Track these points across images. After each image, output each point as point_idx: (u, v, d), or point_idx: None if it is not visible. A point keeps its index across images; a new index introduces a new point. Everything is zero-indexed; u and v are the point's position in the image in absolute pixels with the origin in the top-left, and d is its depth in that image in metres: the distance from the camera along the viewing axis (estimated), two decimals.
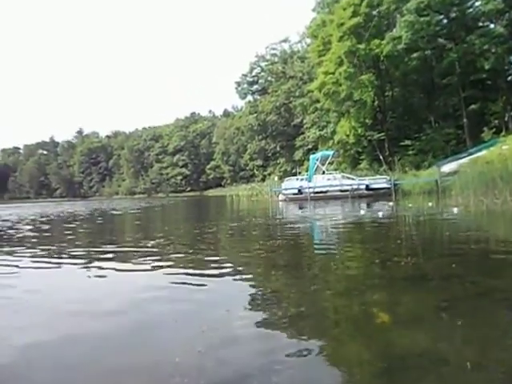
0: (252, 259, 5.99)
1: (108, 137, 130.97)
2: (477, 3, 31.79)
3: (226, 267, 5.46)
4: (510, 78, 32.69)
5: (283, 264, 5.56)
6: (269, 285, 4.47)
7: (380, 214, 11.97)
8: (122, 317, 3.64)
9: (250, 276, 4.95)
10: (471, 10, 32.07)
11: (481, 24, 32.82)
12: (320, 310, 3.56)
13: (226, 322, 3.32)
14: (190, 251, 6.93)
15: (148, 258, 6.31)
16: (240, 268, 5.44)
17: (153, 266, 5.68)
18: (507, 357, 2.45)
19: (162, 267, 5.60)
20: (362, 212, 13.64)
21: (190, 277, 4.95)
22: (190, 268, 5.55)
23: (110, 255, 6.96)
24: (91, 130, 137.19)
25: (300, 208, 23.61)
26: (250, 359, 2.64)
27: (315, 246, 7.16)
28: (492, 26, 32.25)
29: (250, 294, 4.07)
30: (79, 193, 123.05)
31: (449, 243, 6.47)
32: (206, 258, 6.20)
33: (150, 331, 3.22)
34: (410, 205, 14.93)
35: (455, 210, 11.68)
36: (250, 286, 4.44)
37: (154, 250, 7.30)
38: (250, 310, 3.61)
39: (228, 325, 3.27)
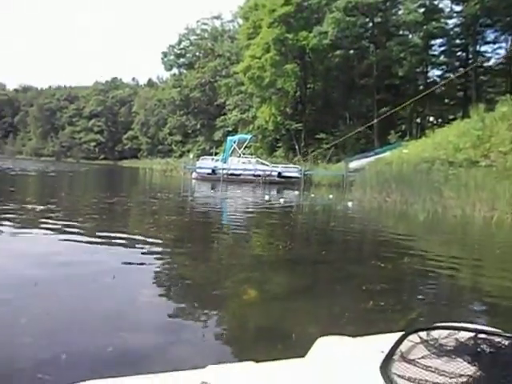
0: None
1: (16, 90, 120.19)
2: (400, 12, 33.75)
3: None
4: (420, 87, 35.22)
5: (172, 237, 5.60)
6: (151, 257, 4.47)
7: (281, 201, 12.43)
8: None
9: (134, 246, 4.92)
10: (394, 17, 33.97)
11: (401, 32, 34.94)
12: (194, 283, 3.65)
13: None
14: (85, 222, 6.70)
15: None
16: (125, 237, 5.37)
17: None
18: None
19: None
20: (267, 197, 14.04)
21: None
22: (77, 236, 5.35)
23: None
24: None
25: (212, 188, 23.70)
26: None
27: (210, 225, 7.28)
28: (410, 36, 34.48)
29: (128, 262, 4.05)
30: None
31: (330, 232, 6.93)
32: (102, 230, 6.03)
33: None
34: (313, 195, 15.68)
35: (349, 203, 12.47)
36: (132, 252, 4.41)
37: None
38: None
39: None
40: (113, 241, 5.15)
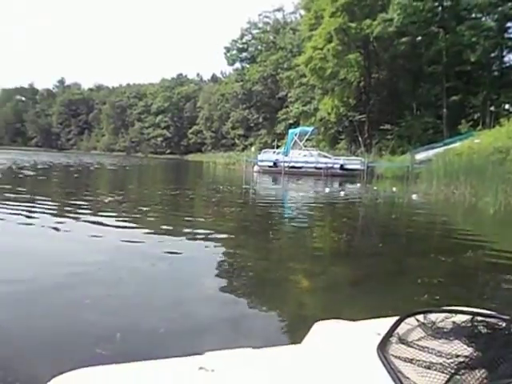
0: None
1: (90, 90, 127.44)
2: None
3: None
4: (494, 74, 33.04)
5: (233, 229, 5.74)
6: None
7: (342, 194, 12.26)
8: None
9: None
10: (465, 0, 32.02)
11: (473, 15, 32.86)
12: (252, 274, 3.73)
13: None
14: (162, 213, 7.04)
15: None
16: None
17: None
18: None
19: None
20: (327, 190, 13.90)
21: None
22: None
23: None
24: (73, 80, 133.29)
25: (273, 181, 23.82)
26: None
27: (269, 217, 7.34)
28: (483, 18, 32.33)
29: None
30: (56, 144, 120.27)
31: (390, 225, 6.74)
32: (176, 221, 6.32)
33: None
34: (375, 188, 15.27)
35: (414, 196, 12.03)
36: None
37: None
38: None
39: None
40: (174, 232, 5.36)
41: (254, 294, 3.23)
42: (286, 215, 7.95)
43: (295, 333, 2.47)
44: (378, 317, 0.98)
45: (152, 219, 6.33)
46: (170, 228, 5.58)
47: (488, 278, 3.69)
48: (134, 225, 5.65)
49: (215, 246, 4.61)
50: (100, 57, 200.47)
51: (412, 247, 5.01)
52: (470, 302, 2.94)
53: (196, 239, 4.96)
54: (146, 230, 5.30)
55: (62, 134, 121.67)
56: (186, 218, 6.58)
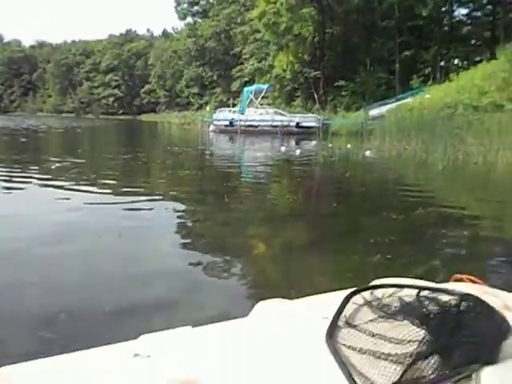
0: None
1: (32, 47, 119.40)
2: None
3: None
4: (445, 28, 33.45)
5: (187, 192, 5.63)
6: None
7: (297, 152, 12.27)
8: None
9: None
10: None
11: None
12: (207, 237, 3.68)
13: None
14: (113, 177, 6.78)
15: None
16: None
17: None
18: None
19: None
20: (283, 149, 13.88)
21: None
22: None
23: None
24: (12, 37, 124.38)
25: (229, 140, 23.61)
26: None
27: (224, 179, 7.25)
28: None
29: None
30: None
31: (344, 183, 6.83)
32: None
33: None
34: (330, 145, 15.40)
35: (367, 152, 12.23)
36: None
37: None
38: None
39: None
40: (127, 199, 5.20)
41: (209, 261, 3.19)
42: (242, 177, 7.90)
43: (248, 303, 2.46)
44: (325, 291, 0.94)
45: (103, 189, 6.10)
46: (122, 197, 5.40)
47: (437, 234, 3.80)
48: (84, 192, 5.43)
49: (171, 211, 4.51)
50: (41, 11, 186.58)
51: (365, 206, 5.10)
52: (420, 259, 3.03)
53: (150, 206, 4.82)
54: (97, 199, 5.10)
55: (5, 95, 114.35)
56: (139, 184, 6.38)
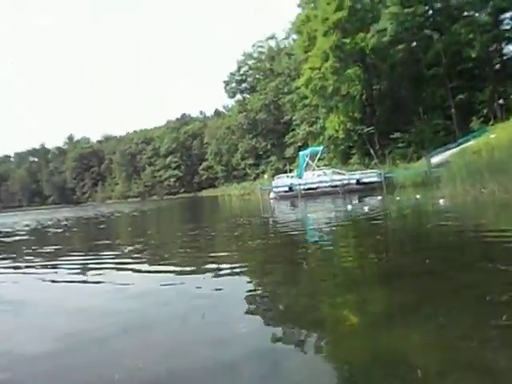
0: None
1: (99, 141, 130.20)
2: None
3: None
4: (496, 67, 32.63)
5: (259, 262, 5.37)
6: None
7: (365, 209, 11.79)
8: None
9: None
10: None
11: (465, 13, 32.77)
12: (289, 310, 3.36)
13: None
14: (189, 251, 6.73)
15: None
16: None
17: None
18: (476, 361, 2.25)
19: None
20: (349, 207, 13.44)
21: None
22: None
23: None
24: (82, 135, 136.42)
25: (291, 205, 23.49)
26: None
27: (296, 246, 6.96)
28: (476, 14, 32.20)
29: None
30: (72, 199, 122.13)
31: (426, 236, 6.28)
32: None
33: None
34: (398, 198, 14.76)
35: (441, 201, 11.53)
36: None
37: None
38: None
39: None
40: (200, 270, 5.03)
41: (293, 337, 2.85)
42: (312, 240, 7.56)
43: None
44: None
45: (175, 267, 6.00)
46: (193, 269, 5.24)
47: None
48: (161, 269, 5.34)
49: (246, 283, 4.25)
50: (104, 108, 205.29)
51: (460, 258, 4.55)
52: None
53: (223, 277, 4.60)
54: (172, 277, 4.97)
55: (77, 188, 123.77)
56: (209, 259, 6.23)
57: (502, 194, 11.26)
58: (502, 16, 31.43)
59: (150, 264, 6.15)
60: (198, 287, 4.39)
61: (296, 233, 9.22)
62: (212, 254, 6.62)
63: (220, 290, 4.26)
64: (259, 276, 4.74)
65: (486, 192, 12.28)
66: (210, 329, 3.14)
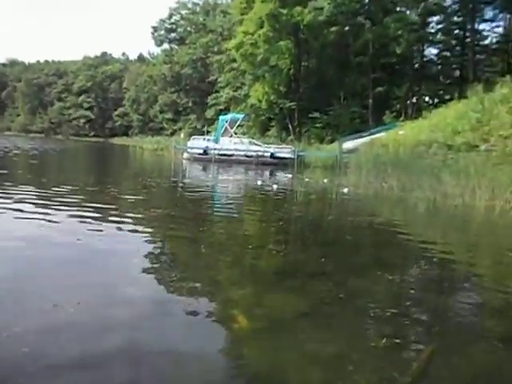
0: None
1: (3, 65, 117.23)
2: None
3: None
4: (415, 66, 34.49)
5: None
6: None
7: (274, 188, 11.94)
8: None
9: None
10: None
11: (398, 9, 33.96)
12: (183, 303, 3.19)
13: None
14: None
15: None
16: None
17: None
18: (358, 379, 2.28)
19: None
20: (259, 182, 13.54)
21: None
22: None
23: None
24: None
25: (203, 169, 23.23)
26: None
27: (199, 219, 6.79)
28: (408, 12, 33.51)
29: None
30: None
31: (326, 229, 6.48)
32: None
33: None
34: (307, 179, 15.16)
35: (345, 189, 12.03)
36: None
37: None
38: None
39: None
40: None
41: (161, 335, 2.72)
42: (216, 216, 7.45)
43: None
44: None
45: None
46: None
47: (453, 297, 3.46)
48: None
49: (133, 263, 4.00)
50: (13, 29, 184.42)
51: (355, 261, 4.71)
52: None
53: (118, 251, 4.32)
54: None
55: None
56: (107, 223, 5.82)
57: (400, 190, 12.03)
58: (430, 19, 33.12)
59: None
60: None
61: (202, 205, 9.06)
62: (109, 219, 6.20)
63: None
64: (149, 255, 4.49)
65: (386, 186, 13.05)
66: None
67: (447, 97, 31.86)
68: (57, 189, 8.96)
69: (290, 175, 17.75)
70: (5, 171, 12.66)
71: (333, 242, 5.32)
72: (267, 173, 22.48)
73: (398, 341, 2.66)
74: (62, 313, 2.85)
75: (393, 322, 2.97)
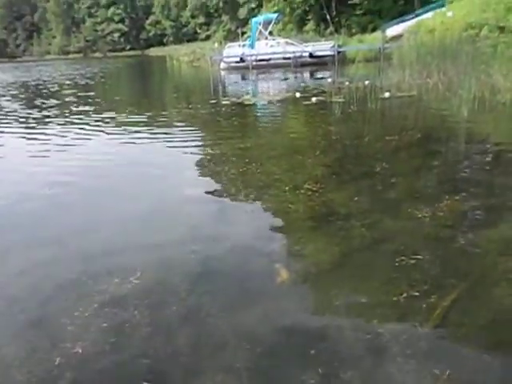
0: None
1: None
2: None
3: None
4: None
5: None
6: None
7: (313, 100, 11.78)
8: None
9: None
10: None
11: None
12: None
13: None
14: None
15: None
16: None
17: None
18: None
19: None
20: (298, 95, 13.24)
21: None
22: None
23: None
24: None
25: (242, 79, 22.96)
26: None
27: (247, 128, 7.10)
28: None
29: None
30: (5, 52, 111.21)
31: (362, 156, 6.54)
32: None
33: None
34: (347, 83, 14.61)
35: (387, 94, 11.64)
36: None
37: None
38: None
39: None
40: None
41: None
42: (257, 136, 7.68)
43: None
44: None
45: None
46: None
47: None
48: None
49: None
50: None
51: (389, 196, 4.87)
52: None
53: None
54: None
55: (10, 40, 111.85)
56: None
57: (445, 89, 11.49)
58: None
59: None
60: None
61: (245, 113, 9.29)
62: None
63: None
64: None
65: (431, 84, 12.48)
66: None
67: None
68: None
69: (329, 78, 17.15)
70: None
71: (367, 174, 5.45)
72: (307, 74, 21.86)
73: (425, 287, 3.00)
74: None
75: (420, 268, 3.27)
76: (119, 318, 2.86)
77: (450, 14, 19.67)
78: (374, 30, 27.31)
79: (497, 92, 9.97)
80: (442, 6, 23.13)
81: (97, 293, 3.15)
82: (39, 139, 9.19)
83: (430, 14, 23.26)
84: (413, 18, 24.42)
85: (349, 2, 29.99)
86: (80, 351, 2.54)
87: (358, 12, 29.75)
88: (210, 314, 2.89)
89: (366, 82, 13.96)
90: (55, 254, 3.86)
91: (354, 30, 29.01)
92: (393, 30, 24.58)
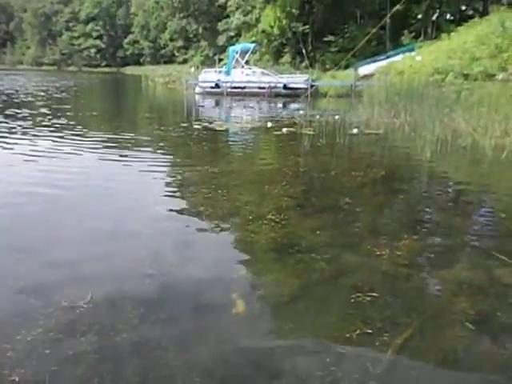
0: None
1: None
2: None
3: None
4: None
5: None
6: None
7: (284, 131, 11.96)
8: None
9: None
10: None
11: None
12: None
13: None
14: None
15: None
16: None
17: None
18: None
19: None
20: (269, 124, 13.43)
21: None
22: None
23: None
24: None
25: (216, 104, 23.18)
26: None
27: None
28: None
29: None
30: None
31: (327, 190, 6.67)
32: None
33: None
34: (318, 116, 14.96)
35: (355, 130, 11.97)
36: None
37: None
38: None
39: None
40: None
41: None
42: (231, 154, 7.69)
43: None
44: None
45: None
46: None
47: None
48: None
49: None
50: None
51: (351, 231, 4.97)
52: None
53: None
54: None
55: None
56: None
57: (411, 129, 11.89)
58: None
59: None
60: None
61: (216, 138, 9.30)
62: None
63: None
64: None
65: (397, 123, 12.92)
66: None
67: (470, 12, 29.98)
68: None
69: (301, 111, 17.53)
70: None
71: (331, 208, 5.53)
72: (280, 104, 22.30)
73: (379, 324, 3.01)
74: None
75: (375, 305, 3.29)
76: (64, 344, 2.73)
77: (418, 58, 20.67)
78: (346, 67, 28.23)
79: (458, 136, 10.43)
80: (412, 49, 24.29)
81: (43, 316, 3.00)
82: (6, 148, 8.97)
83: (400, 57, 24.37)
84: (384, 59, 25.48)
85: (324, 39, 31.08)
86: (17, 379, 2.39)
87: (332, 49, 30.82)
88: (161, 344, 2.80)
89: (336, 117, 14.35)
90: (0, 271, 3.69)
91: (327, 66, 29.94)
92: (365, 69, 25.54)
